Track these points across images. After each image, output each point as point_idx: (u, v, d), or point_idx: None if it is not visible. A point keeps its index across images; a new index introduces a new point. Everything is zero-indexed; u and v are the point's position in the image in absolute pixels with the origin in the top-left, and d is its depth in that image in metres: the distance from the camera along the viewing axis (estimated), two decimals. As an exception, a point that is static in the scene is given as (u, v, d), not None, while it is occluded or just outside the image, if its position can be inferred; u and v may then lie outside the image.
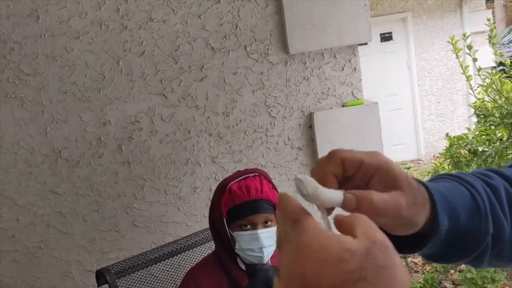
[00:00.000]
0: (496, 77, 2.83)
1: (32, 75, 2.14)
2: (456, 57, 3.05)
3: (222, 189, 1.43)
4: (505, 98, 2.69)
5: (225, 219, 1.44)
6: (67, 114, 2.18)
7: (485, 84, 2.87)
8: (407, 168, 7.02)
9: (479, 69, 3.16)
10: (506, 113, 2.66)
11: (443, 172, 3.12)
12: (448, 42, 3.07)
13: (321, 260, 0.35)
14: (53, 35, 2.13)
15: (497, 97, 2.87)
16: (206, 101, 2.24)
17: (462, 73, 3.05)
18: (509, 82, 2.85)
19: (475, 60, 3.26)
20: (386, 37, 7.19)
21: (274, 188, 1.48)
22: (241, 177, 1.43)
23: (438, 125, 7.33)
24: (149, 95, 2.21)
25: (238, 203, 1.41)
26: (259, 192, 1.39)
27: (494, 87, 2.86)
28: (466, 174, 0.62)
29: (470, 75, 3.03)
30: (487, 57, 5.16)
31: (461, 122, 7.23)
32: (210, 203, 1.55)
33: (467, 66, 3.03)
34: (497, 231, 0.58)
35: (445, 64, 7.22)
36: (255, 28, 2.22)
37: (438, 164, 3.13)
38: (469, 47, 3.30)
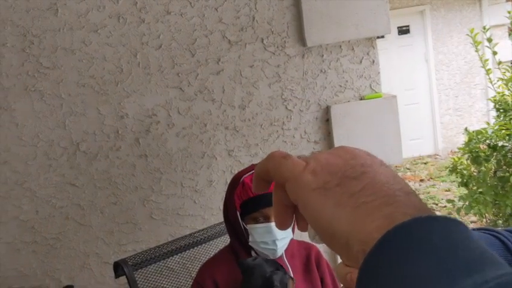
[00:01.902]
0: None
1: (51, 69, 2.16)
2: (475, 51, 3.01)
3: (236, 182, 1.43)
4: None
5: (238, 212, 1.44)
6: (85, 107, 2.19)
7: (506, 78, 2.82)
8: (425, 163, 6.96)
9: (499, 63, 3.11)
10: None
11: (461, 167, 3.09)
12: (468, 35, 3.02)
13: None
14: (72, 29, 2.14)
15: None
16: (222, 94, 2.24)
17: (481, 66, 3.01)
18: None
19: (494, 53, 3.21)
20: (403, 30, 7.11)
21: None
22: (253, 171, 1.42)
23: (456, 119, 7.24)
24: (166, 88, 2.22)
25: (251, 196, 1.41)
26: (272, 185, 1.39)
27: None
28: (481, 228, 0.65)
29: (489, 69, 2.98)
30: (506, 50, 5.07)
31: (480, 116, 7.13)
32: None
33: (487, 60, 2.99)
34: None
35: (463, 58, 7.12)
36: (272, 21, 2.21)
37: (457, 159, 3.09)
38: (489, 40, 3.25)
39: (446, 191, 5.61)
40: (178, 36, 2.19)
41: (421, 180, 6.16)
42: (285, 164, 0.41)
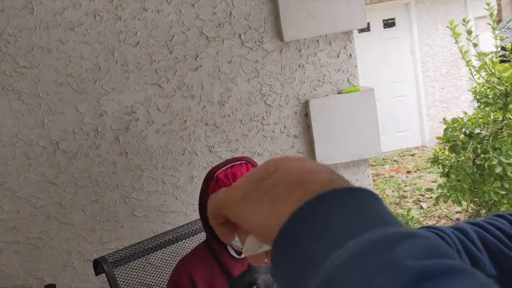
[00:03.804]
0: (487, 58, 2.81)
1: (28, 68, 2.15)
2: (455, 42, 3.03)
3: (210, 177, 1.44)
4: (497, 78, 2.67)
5: None
6: (64, 106, 2.19)
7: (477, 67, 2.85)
8: (412, 155, 7.00)
9: (480, 54, 3.14)
10: (500, 93, 2.64)
11: (443, 157, 3.11)
12: (447, 27, 3.04)
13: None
14: (48, 27, 2.14)
15: (492, 79, 2.85)
16: (201, 90, 2.24)
17: (462, 58, 3.04)
18: (502, 64, 2.84)
19: (475, 45, 3.24)
20: (389, 23, 7.13)
21: None
22: (228, 166, 1.43)
23: (442, 111, 7.28)
24: (145, 86, 2.22)
25: None
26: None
27: (488, 69, 2.85)
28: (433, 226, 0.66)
29: (469, 60, 3.01)
30: (490, 41, 5.11)
31: (466, 107, 7.18)
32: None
33: (467, 51, 3.01)
34: (476, 266, 0.59)
35: (448, 50, 7.16)
36: (249, 16, 2.21)
37: (438, 150, 3.11)
38: (469, 32, 3.27)
39: (432, 182, 5.66)
40: (156, 33, 2.19)
41: (408, 172, 6.21)
42: (216, 196, 0.45)
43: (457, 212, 4.62)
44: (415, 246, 0.27)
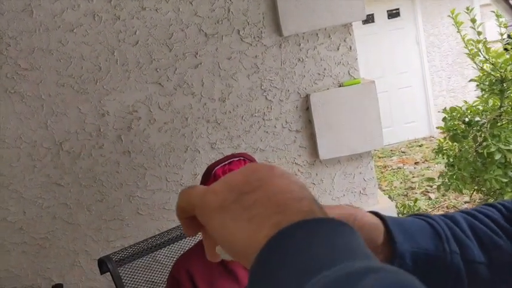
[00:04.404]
0: (480, 44, 2.78)
1: (30, 70, 2.16)
2: (457, 31, 3.00)
3: (208, 174, 1.44)
4: (492, 64, 2.65)
5: None
6: (66, 107, 2.21)
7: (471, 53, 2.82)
8: (420, 146, 6.96)
9: (479, 41, 3.11)
10: (495, 80, 2.62)
11: (447, 148, 3.10)
12: (449, 16, 3.01)
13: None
14: (48, 29, 2.15)
15: (487, 65, 2.83)
16: (202, 87, 2.25)
17: (464, 47, 3.01)
18: (495, 50, 2.82)
19: (479, 33, 3.21)
20: (393, 14, 7.08)
21: None
22: (226, 162, 1.44)
23: (450, 100, 7.22)
24: (145, 84, 2.23)
25: None
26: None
27: (482, 55, 2.82)
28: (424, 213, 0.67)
29: (472, 49, 2.98)
30: (496, 29, 5.05)
31: (473, 96, 7.12)
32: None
33: (469, 40, 2.98)
34: (464, 252, 0.59)
35: (454, 39, 7.08)
36: (247, 12, 2.21)
37: (442, 140, 3.10)
38: (473, 21, 3.24)
39: (440, 172, 5.62)
40: (155, 32, 2.20)
41: (416, 163, 6.18)
42: (191, 192, 0.43)
43: (465, 202, 4.59)
44: (378, 281, 0.28)
